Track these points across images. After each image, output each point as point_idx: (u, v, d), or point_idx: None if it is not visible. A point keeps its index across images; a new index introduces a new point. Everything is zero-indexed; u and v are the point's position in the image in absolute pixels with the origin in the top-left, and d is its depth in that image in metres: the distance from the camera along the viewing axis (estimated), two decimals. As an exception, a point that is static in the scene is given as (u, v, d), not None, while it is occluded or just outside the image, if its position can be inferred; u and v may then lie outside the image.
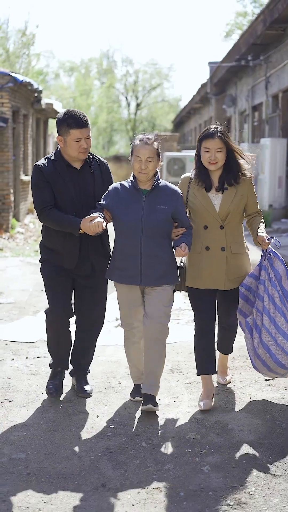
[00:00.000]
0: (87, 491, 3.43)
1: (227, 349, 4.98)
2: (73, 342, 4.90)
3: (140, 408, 4.43)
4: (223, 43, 53.38)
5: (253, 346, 4.54)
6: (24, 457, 3.83)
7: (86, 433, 4.14)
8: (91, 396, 4.74)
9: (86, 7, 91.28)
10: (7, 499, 3.35)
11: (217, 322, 4.77)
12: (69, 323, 4.75)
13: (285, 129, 15.71)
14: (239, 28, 34.51)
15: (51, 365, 4.85)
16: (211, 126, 4.59)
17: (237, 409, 4.53)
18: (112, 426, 4.23)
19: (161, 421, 4.30)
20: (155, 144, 4.42)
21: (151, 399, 4.39)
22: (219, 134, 4.50)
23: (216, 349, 4.84)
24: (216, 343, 4.86)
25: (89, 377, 5.02)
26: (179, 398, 4.74)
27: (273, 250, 4.55)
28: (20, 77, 15.31)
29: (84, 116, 4.55)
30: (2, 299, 7.95)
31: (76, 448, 3.91)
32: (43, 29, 75.36)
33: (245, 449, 3.91)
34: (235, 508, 3.24)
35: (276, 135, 16.42)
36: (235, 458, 3.79)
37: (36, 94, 17.71)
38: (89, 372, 4.98)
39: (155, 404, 4.40)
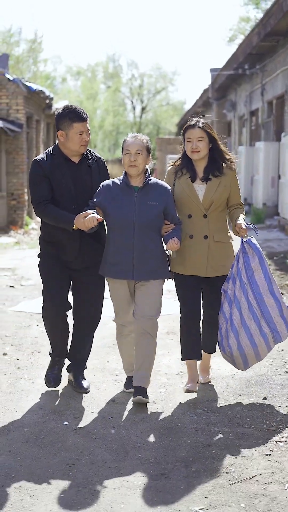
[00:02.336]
0: (101, 404, 4.68)
1: (210, 348, 4.96)
2: (70, 334, 5.02)
3: (131, 400, 4.66)
4: (226, 47, 54.69)
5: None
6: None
7: (99, 372, 5.39)
8: (88, 391, 4.85)
9: (92, 12, 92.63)
10: (43, 407, 4.61)
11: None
12: (65, 317, 4.83)
13: (278, 133, 16.91)
14: (241, 33, 35.65)
15: (50, 354, 4.99)
16: (194, 119, 4.71)
17: (217, 356, 5.75)
18: (119, 368, 5.46)
19: (156, 364, 5.51)
20: (145, 140, 4.57)
21: (141, 391, 4.56)
22: (200, 125, 4.63)
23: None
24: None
25: (99, 336, 6.23)
26: (172, 350, 5.98)
27: (251, 240, 4.65)
28: (33, 86, 16.62)
29: (83, 110, 4.63)
30: (24, 282, 9.24)
31: (92, 380, 5.16)
32: (51, 34, 76.71)
33: (220, 380, 5.15)
34: (207, 412, 4.50)
35: (271, 139, 17.64)
36: (211, 385, 5.04)
37: (47, 101, 19.00)
38: (86, 368, 5.05)
39: (145, 396, 4.56)
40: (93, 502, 3.35)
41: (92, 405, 4.66)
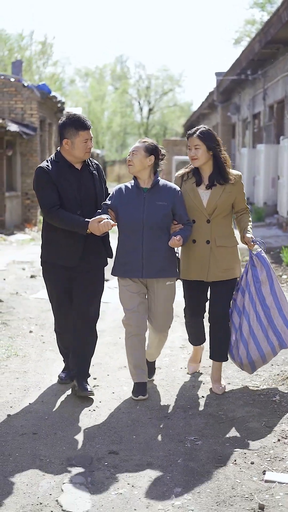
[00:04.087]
0: (115, 369, 5.61)
1: (220, 355, 4.93)
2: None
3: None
4: (233, 49, 55.52)
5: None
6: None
7: (113, 345, 6.32)
8: (93, 394, 4.87)
9: (100, 15, 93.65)
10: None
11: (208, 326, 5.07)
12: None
13: (279, 136, 17.79)
14: (247, 36, 36.53)
15: (64, 360, 5.29)
16: (196, 127, 4.82)
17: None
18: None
19: (162, 340, 6.45)
20: (147, 142, 4.73)
21: (150, 367, 5.19)
22: (198, 133, 4.73)
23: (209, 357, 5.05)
24: (209, 351, 5.04)
25: (111, 318, 7.16)
26: (175, 329, 6.88)
27: (260, 253, 4.79)
28: (46, 88, 17.60)
29: (87, 118, 4.76)
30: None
31: (106, 351, 6.08)
32: (59, 36, 77.75)
33: (215, 351, 6.08)
34: (204, 374, 5.41)
35: (272, 141, 18.53)
36: (207, 355, 5.96)
37: (59, 105, 19.95)
38: (89, 376, 5.07)
39: (152, 374, 5.22)
40: (111, 434, 4.27)
41: (108, 370, 5.59)
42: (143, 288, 4.82)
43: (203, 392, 5.01)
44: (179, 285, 5.12)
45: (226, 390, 5.00)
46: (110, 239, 5.03)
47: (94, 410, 4.70)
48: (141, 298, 4.81)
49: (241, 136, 24.73)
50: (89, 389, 4.87)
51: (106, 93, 54.37)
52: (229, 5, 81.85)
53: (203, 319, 5.13)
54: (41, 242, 4.96)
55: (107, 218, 4.57)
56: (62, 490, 3.56)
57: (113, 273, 4.85)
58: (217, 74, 26.76)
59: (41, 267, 5.04)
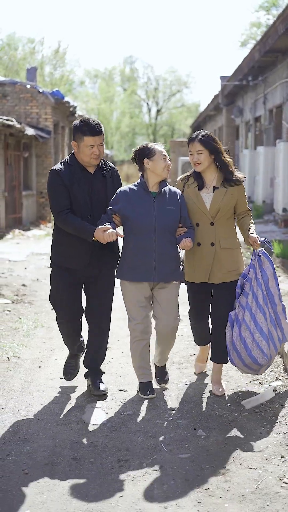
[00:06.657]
0: (124, 336, 6.82)
1: (219, 356, 4.92)
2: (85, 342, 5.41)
3: (157, 384, 5.24)
4: (239, 51, 56.63)
5: (231, 339, 4.77)
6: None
7: (123, 320, 7.51)
8: (106, 393, 5.03)
9: (109, 18, 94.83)
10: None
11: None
12: (80, 323, 5.14)
13: (277, 138, 18.96)
14: (253, 38, 37.62)
15: (69, 353, 5.38)
16: (196, 132, 4.83)
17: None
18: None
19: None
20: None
21: (161, 372, 5.26)
22: (199, 138, 4.71)
23: (209, 359, 5.17)
24: (209, 352, 5.24)
25: (120, 297, 8.32)
26: (175, 308, 8.10)
27: (265, 251, 4.77)
28: (59, 93, 18.84)
29: (98, 124, 4.64)
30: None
31: (117, 324, 7.28)
32: (70, 38, 78.96)
33: (207, 323, 7.29)
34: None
35: (271, 143, 19.72)
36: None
37: (71, 109, 21.19)
38: (104, 373, 5.26)
39: (166, 381, 5.22)
40: (121, 380, 5.49)
41: (118, 337, 6.81)
42: (149, 291, 4.84)
43: (195, 351, 6.22)
44: (183, 287, 5.28)
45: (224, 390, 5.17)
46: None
47: (107, 363, 5.92)
48: (146, 310, 4.85)
49: (244, 138, 25.89)
50: (101, 388, 5.01)
51: (115, 94, 55.32)
52: (235, 8, 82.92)
53: (208, 321, 5.21)
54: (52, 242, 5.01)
55: (113, 228, 4.57)
56: (84, 411, 4.79)
57: (120, 276, 4.83)
58: (222, 78, 27.92)
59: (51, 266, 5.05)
